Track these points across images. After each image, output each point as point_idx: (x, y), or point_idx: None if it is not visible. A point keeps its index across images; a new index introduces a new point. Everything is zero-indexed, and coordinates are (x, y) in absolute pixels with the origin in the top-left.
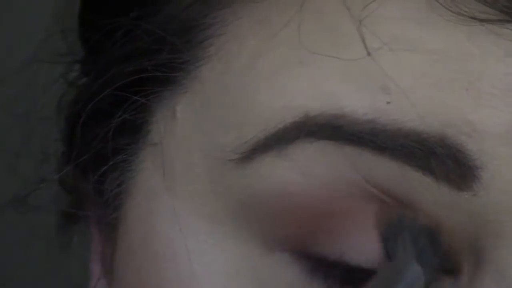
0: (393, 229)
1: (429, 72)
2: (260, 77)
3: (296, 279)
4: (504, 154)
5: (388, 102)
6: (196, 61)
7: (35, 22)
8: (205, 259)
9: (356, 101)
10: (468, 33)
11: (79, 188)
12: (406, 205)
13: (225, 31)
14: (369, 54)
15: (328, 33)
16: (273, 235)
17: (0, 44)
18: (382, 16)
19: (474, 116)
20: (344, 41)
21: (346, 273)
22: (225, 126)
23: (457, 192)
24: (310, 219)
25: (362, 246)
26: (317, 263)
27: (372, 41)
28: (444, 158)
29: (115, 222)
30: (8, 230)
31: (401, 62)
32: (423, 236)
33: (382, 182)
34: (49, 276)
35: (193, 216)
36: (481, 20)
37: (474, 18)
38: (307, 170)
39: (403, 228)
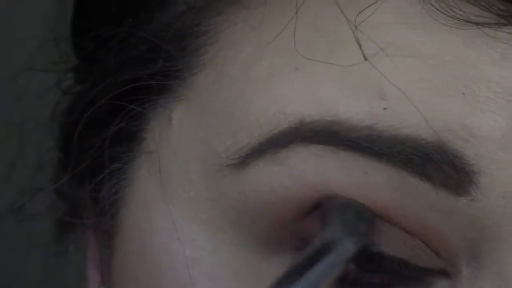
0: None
1: (425, 77)
2: (255, 83)
3: None
4: (501, 159)
5: (385, 108)
6: (191, 69)
7: (28, 30)
8: (203, 266)
9: (352, 107)
10: (464, 36)
11: (75, 196)
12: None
13: (219, 38)
14: (365, 59)
15: (324, 39)
16: (271, 239)
17: None
18: (377, 21)
19: (471, 121)
20: (340, 47)
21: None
22: (220, 132)
23: (455, 197)
24: (304, 222)
25: None
26: None
27: (368, 47)
28: (441, 164)
29: (112, 230)
30: (4, 238)
31: (398, 67)
32: (350, 210)
33: (379, 187)
34: (45, 283)
35: (190, 223)
36: (477, 24)
37: (469, 21)
38: (297, 174)
39: (332, 208)
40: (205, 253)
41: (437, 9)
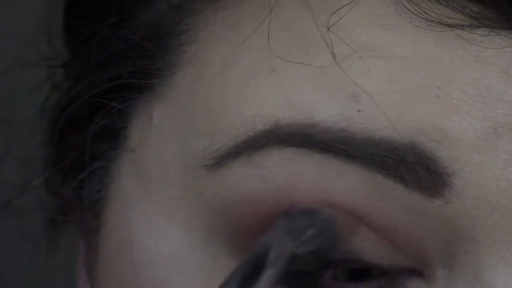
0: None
1: (398, 78)
2: (231, 84)
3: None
4: (475, 161)
5: (359, 110)
6: (171, 68)
7: (19, 25)
8: (179, 266)
9: (326, 109)
10: (437, 38)
11: (61, 194)
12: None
13: (198, 37)
14: (336, 62)
15: (299, 40)
16: (242, 241)
17: None
18: (351, 23)
19: (445, 123)
20: (314, 49)
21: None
22: (198, 132)
23: (429, 199)
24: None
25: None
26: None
27: (341, 48)
28: (415, 166)
29: (96, 228)
30: None
31: (371, 69)
32: (299, 217)
33: (352, 189)
34: (36, 279)
35: (167, 222)
36: (450, 26)
37: (442, 23)
38: (269, 177)
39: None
40: (181, 253)
41: (410, 10)
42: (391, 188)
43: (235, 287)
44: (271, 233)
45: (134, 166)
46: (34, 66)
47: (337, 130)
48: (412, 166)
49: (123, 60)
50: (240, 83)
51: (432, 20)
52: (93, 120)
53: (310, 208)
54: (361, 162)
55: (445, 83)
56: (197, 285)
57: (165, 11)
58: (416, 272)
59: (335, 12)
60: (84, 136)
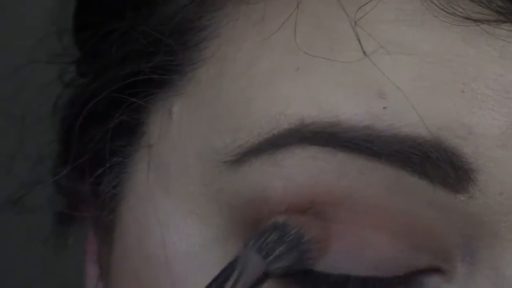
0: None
1: (425, 75)
2: (256, 82)
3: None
4: (499, 156)
5: (384, 107)
6: (191, 63)
7: (30, 23)
8: (196, 262)
9: (352, 107)
10: (463, 34)
11: (75, 190)
12: None
13: (220, 33)
14: (365, 54)
15: (324, 37)
16: None
17: None
18: (377, 18)
19: (469, 119)
20: (340, 45)
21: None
22: (220, 129)
23: (453, 195)
24: None
25: (346, 254)
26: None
27: (368, 44)
28: (439, 162)
29: (111, 224)
30: (3, 231)
31: (397, 65)
32: (269, 232)
33: (370, 186)
34: (44, 277)
35: (186, 218)
36: (476, 21)
37: (469, 18)
38: (289, 176)
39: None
40: (199, 249)
41: (436, 6)
42: (415, 184)
43: None
44: (243, 251)
45: (152, 161)
46: (46, 63)
47: (362, 128)
48: (437, 162)
49: (143, 55)
50: (265, 80)
51: (459, 15)
52: (111, 115)
53: (278, 223)
54: (385, 159)
55: (470, 78)
56: None
57: (186, 6)
58: (433, 268)
59: (361, 7)
60: (103, 131)
